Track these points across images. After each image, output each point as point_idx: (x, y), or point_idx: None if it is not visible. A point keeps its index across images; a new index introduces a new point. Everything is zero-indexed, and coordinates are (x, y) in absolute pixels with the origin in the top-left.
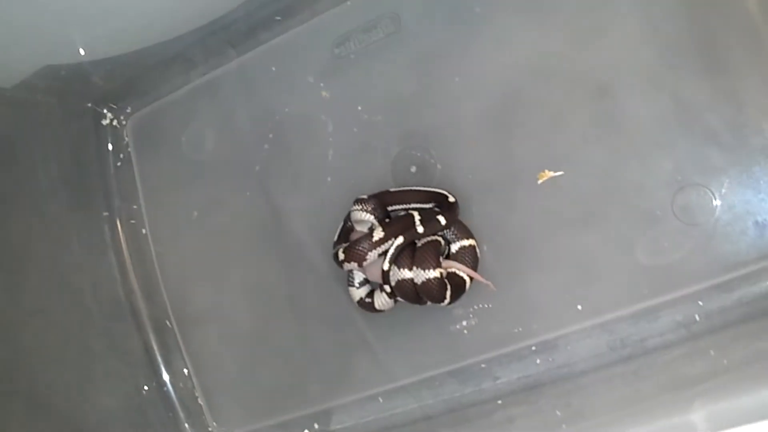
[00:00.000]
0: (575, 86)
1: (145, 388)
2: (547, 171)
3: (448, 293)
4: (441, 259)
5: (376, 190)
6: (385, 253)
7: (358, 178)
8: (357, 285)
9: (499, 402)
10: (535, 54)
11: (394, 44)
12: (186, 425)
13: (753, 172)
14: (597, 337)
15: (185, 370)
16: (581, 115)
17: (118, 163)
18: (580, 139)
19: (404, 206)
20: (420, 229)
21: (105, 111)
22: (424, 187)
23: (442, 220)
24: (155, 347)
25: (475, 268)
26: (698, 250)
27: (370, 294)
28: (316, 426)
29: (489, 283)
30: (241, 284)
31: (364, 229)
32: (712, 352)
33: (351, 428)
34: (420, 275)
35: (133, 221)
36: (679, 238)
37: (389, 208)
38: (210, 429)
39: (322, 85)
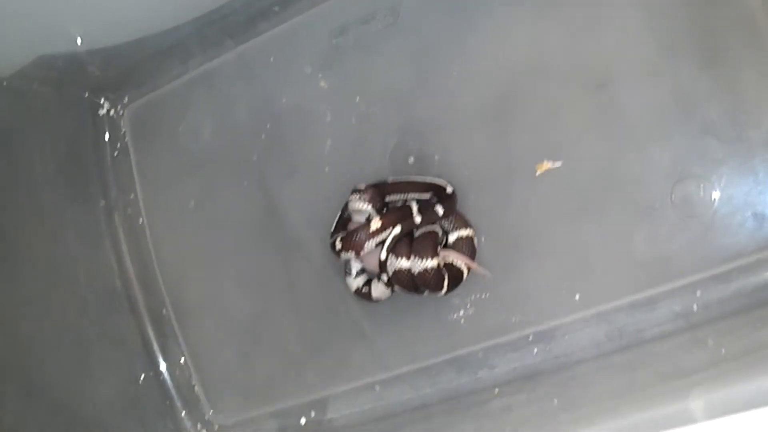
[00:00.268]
0: (573, 78)
1: (142, 377)
2: (545, 162)
3: (446, 283)
4: (438, 248)
5: (373, 181)
6: (382, 242)
7: (356, 169)
8: (354, 275)
9: (496, 391)
10: (534, 45)
11: (392, 35)
12: (183, 414)
13: (752, 164)
14: (595, 327)
15: (182, 359)
16: (579, 107)
17: (115, 153)
18: (579, 130)
19: (402, 196)
20: (418, 219)
21: (102, 101)
22: (422, 177)
23: (440, 210)
24: (152, 336)
25: (472, 258)
26: (696, 242)
27: (368, 283)
28: (312, 414)
29: (486, 272)
30: (238, 274)
31: (362, 218)
32: (710, 342)
33: (348, 417)
34: (417, 265)
35: (129, 211)
36: (678, 230)
37: (387, 199)
38: (207, 417)
39: (320, 75)
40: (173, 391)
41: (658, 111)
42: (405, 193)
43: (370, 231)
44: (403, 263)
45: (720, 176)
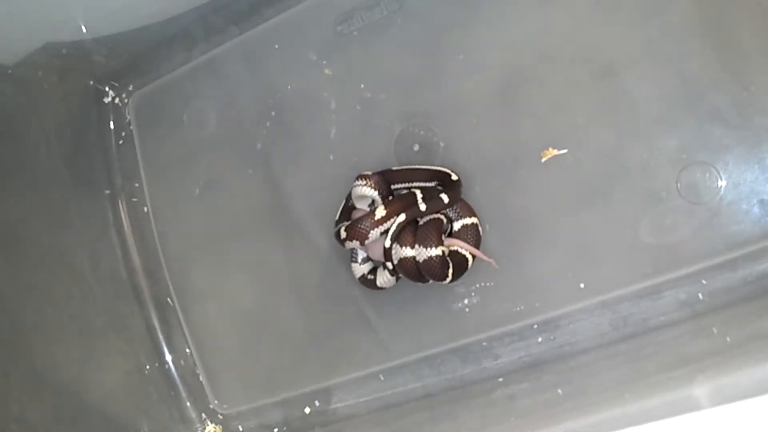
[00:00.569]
0: (579, 64)
1: (147, 367)
2: (551, 149)
3: (450, 271)
4: (443, 237)
5: (378, 169)
6: (387, 231)
7: (361, 157)
8: (360, 261)
9: (501, 380)
10: (540, 32)
11: (397, 22)
12: (188, 403)
13: (758, 151)
14: (599, 315)
15: (187, 349)
16: (585, 94)
17: (120, 141)
18: (584, 117)
19: (407, 185)
20: (422, 207)
21: (107, 89)
22: (427, 165)
23: (445, 198)
24: (156, 325)
25: (477, 246)
26: (702, 229)
27: (373, 271)
28: (317, 403)
29: (491, 261)
30: (243, 262)
31: (365, 205)
32: (715, 330)
33: (352, 406)
34: (422, 253)
35: (134, 199)
36: (684, 217)
37: (392, 187)
38: (211, 407)
39: (324, 62)
40: (178, 381)
41: (665, 98)
42: (410, 181)
43: (375, 219)
44: (408, 252)
45: (726, 163)
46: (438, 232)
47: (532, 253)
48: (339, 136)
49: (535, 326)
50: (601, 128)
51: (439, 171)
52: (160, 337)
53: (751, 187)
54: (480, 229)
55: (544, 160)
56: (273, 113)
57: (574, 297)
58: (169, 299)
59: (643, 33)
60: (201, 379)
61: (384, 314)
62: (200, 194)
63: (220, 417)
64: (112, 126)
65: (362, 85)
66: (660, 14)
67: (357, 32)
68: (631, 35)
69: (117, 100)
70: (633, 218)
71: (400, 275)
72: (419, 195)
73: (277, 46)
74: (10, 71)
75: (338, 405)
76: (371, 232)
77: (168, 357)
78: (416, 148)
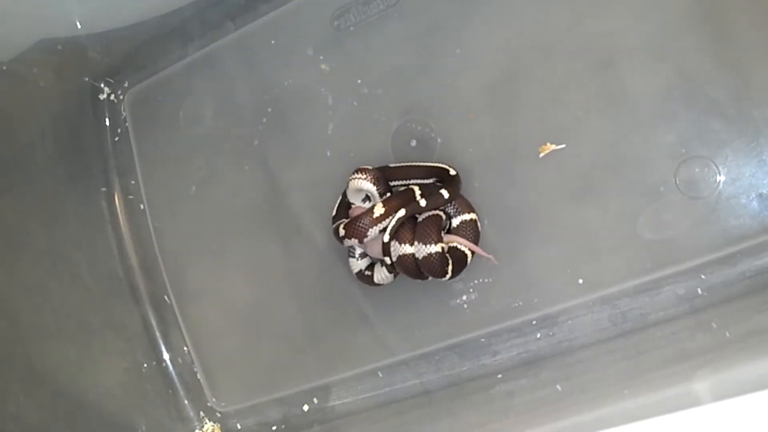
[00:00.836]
0: (577, 58)
1: (144, 365)
2: (548, 144)
3: (450, 268)
4: (442, 233)
5: (376, 164)
6: (386, 229)
7: (358, 152)
8: (358, 257)
9: (500, 376)
10: (537, 26)
11: (394, 16)
12: (185, 401)
13: (757, 145)
14: (598, 311)
15: (184, 347)
16: (583, 88)
17: (116, 138)
18: (582, 111)
19: (404, 182)
20: (423, 203)
21: (102, 85)
22: (425, 162)
23: (446, 193)
24: (154, 323)
25: (476, 242)
26: (701, 224)
27: (370, 267)
28: (315, 401)
29: (490, 257)
30: (240, 259)
31: (358, 200)
32: (714, 325)
33: (350, 403)
34: (421, 250)
35: (131, 196)
36: (682, 212)
37: (390, 184)
38: (209, 404)
39: (321, 58)
40: (176, 379)
41: (663, 91)
42: (408, 178)
43: (374, 217)
44: (407, 248)
45: (725, 157)
46: (437, 228)
47: (530, 248)
48: (336, 131)
49: (534, 322)
50: (599, 122)
51: (437, 167)
52: (158, 334)
53: (750, 181)
54: (479, 225)
55: (542, 155)
56: (270, 109)
57: (573, 292)
58: (166, 297)
59: (641, 26)
60: (199, 376)
61: (382, 311)
62: (197, 191)
63: (218, 415)
64: (107, 123)
65: (359, 81)
66: (658, 7)
67: (354, 27)
68: (630, 28)
69: (113, 97)
70: (631, 213)
71: (398, 272)
72: (417, 191)
73: (273, 42)
74: (4, 68)
75: (336, 402)
76: (370, 229)
77: (165, 355)
78: (413, 143)
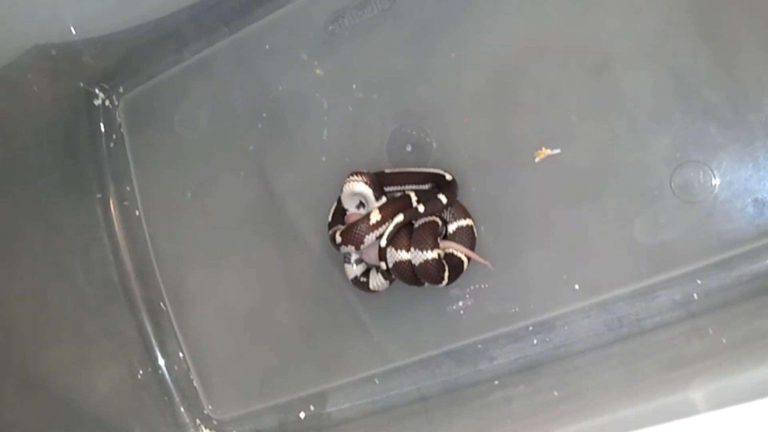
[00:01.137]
0: (572, 62)
1: (140, 372)
2: (544, 149)
3: (446, 274)
4: (438, 239)
5: (371, 169)
6: (382, 235)
7: (353, 157)
8: (353, 263)
9: (496, 382)
10: (532, 29)
11: (388, 20)
12: (181, 408)
13: (753, 149)
14: (595, 316)
15: (180, 353)
16: (578, 92)
17: (111, 144)
18: (578, 115)
19: (400, 188)
20: (421, 209)
21: (97, 91)
22: (420, 167)
23: (443, 198)
24: (149, 329)
25: (472, 247)
26: (697, 228)
27: (366, 273)
28: (312, 408)
29: (486, 262)
30: (235, 265)
31: (353, 205)
32: (710, 331)
33: (347, 410)
34: (418, 256)
35: (126, 202)
36: (678, 216)
37: (385, 190)
38: (205, 412)
39: (316, 62)
40: (171, 386)
41: (658, 95)
42: (403, 185)
43: (371, 224)
44: (404, 255)
45: (720, 162)
46: (433, 234)
47: (526, 253)
48: (331, 136)
49: (531, 328)
50: (594, 126)
51: (433, 173)
52: (153, 341)
53: (745, 185)
54: (475, 230)
55: (537, 159)
56: (265, 114)
57: (569, 298)
58: (161, 303)
59: (636, 29)
60: (195, 384)
61: (378, 317)
62: (192, 196)
63: (215, 422)
64: (102, 128)
65: (354, 85)
66: (653, 9)
67: (348, 32)
68: (625, 31)
69: (107, 102)
70: (627, 218)
71: (394, 278)
72: (413, 197)
73: (268, 47)
74: None
75: (333, 409)
76: (367, 236)
77: (161, 362)
78: (409, 148)
